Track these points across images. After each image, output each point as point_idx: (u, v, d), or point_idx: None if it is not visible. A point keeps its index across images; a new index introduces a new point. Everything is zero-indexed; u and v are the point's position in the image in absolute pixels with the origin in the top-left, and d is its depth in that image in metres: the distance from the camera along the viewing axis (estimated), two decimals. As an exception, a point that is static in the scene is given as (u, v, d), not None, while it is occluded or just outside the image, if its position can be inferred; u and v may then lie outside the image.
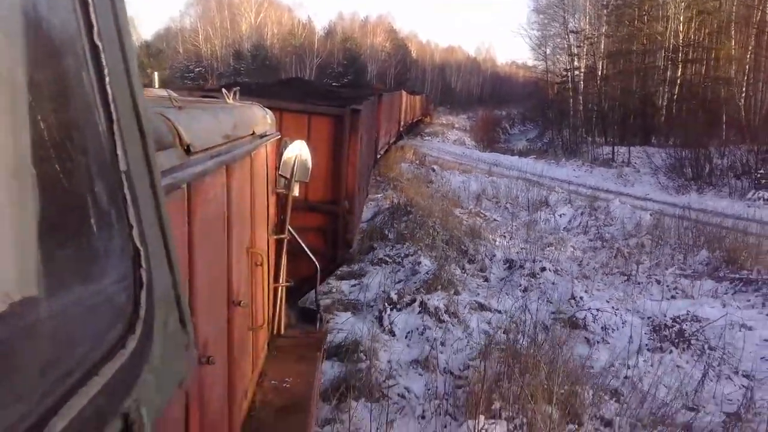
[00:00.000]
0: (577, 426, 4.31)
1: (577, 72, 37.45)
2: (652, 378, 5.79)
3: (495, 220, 13.09)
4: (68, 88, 0.75)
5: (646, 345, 6.82)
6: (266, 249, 3.47)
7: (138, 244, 0.86)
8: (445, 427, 3.94)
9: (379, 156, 15.29)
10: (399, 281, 7.96)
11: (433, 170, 19.48)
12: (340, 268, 7.43)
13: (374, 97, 10.90)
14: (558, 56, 42.93)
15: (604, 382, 5.37)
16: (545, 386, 4.37)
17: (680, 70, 31.69)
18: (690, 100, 30.19)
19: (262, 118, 3.32)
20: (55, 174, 0.68)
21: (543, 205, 14.63)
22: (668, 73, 31.99)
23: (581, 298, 7.71)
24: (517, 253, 10.15)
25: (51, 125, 0.69)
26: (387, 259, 8.59)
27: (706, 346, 6.80)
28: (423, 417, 4.29)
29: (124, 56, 0.89)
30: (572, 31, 38.30)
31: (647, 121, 32.16)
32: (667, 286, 8.95)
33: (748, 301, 8.42)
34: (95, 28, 0.79)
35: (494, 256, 9.85)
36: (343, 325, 6.19)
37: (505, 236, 11.55)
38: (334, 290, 7.65)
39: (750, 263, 9.29)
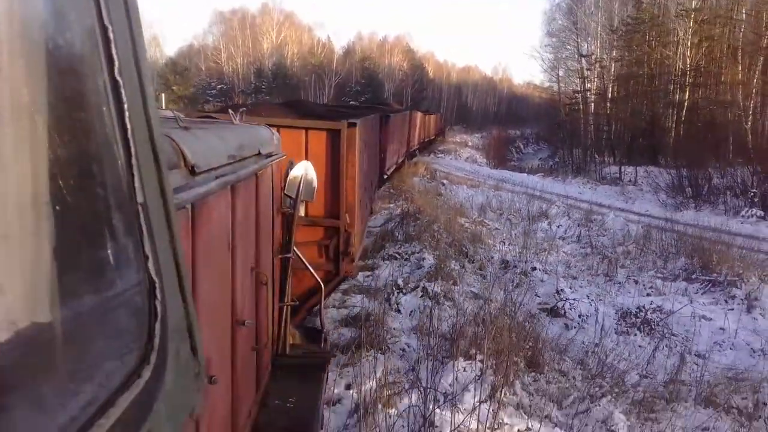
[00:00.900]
0: (537, 373, 5.55)
1: (588, 94, 38.68)
2: (615, 353, 7.01)
3: (496, 228, 14.29)
4: (89, 122, 0.76)
5: (614, 329, 8.01)
6: (271, 268, 3.49)
7: (153, 275, 0.88)
8: (434, 366, 5.18)
9: (386, 175, 15.19)
10: (405, 273, 9.24)
11: (443, 184, 20.72)
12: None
13: (375, 114, 10.95)
14: (570, 78, 44.12)
15: (569, 348, 6.59)
16: (514, 342, 5.62)
17: (687, 93, 32.74)
18: (697, 123, 31.16)
19: (268, 138, 3.36)
20: (73, 206, 0.69)
21: (542, 217, 15.79)
22: (676, 96, 33.12)
23: (563, 290, 8.92)
24: (514, 257, 11.35)
25: (71, 158, 0.70)
26: (396, 255, 9.89)
27: (666, 331, 7.97)
28: (418, 361, 5.55)
29: (142, 91, 0.91)
30: (582, 55, 39.58)
31: (655, 142, 33.28)
32: (644, 285, 10.12)
33: (713, 298, 9.56)
34: (116, 64, 0.80)
35: (492, 258, 11.08)
36: (359, 303, 7.48)
37: (504, 242, 12.75)
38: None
39: (719, 268, 10.42)
